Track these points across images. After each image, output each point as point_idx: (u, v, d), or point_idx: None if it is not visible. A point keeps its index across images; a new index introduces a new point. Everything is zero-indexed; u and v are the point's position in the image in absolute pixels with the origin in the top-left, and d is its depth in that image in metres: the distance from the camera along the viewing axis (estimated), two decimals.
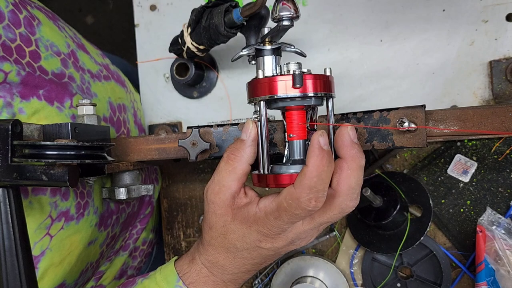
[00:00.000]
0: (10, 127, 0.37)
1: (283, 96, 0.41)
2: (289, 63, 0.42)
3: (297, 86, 0.40)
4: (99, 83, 0.61)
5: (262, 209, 0.42)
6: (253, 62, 0.49)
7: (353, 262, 0.68)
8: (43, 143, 0.36)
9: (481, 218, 0.62)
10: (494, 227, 0.60)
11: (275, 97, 0.41)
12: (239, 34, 0.53)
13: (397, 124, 0.43)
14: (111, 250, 0.65)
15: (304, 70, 0.41)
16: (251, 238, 0.44)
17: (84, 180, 0.51)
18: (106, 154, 0.42)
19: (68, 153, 0.37)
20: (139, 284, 0.51)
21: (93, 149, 0.40)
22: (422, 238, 0.62)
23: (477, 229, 0.61)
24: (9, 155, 0.37)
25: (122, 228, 0.65)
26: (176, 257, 0.53)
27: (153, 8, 0.73)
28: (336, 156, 0.41)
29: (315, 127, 0.46)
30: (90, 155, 0.39)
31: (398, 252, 0.64)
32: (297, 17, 0.43)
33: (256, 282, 0.71)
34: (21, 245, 0.38)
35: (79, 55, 0.58)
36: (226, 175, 0.43)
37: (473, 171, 0.63)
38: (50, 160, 0.36)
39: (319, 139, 0.38)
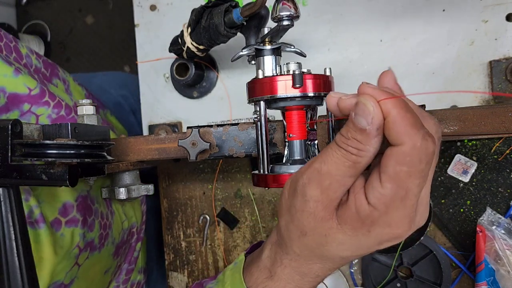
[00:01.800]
0: (10, 126, 0.37)
1: (283, 96, 0.41)
2: (289, 63, 0.42)
3: (297, 86, 0.40)
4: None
5: (379, 203, 0.31)
6: (253, 62, 0.49)
7: (353, 262, 0.68)
8: (43, 142, 0.36)
9: (481, 218, 0.62)
10: (494, 227, 0.60)
11: (275, 97, 0.41)
12: (239, 34, 0.53)
13: None
14: (115, 280, 0.67)
15: (304, 70, 0.41)
16: (366, 243, 0.34)
17: (87, 182, 0.51)
18: (106, 153, 0.42)
19: (67, 152, 0.37)
20: None
21: (93, 148, 0.40)
22: (422, 238, 0.62)
23: (477, 229, 0.61)
24: (9, 154, 0.37)
25: (125, 258, 0.68)
26: (241, 271, 0.43)
27: (153, 8, 0.73)
28: None
29: (315, 127, 0.46)
30: (90, 154, 0.39)
31: (398, 252, 0.64)
32: (297, 17, 0.43)
33: None
34: (22, 244, 0.38)
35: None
36: (343, 169, 0.32)
37: (473, 171, 0.63)
38: (49, 159, 0.36)
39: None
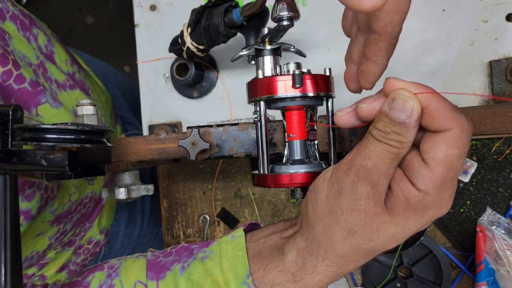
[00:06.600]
0: (10, 111, 0.37)
1: (283, 96, 0.41)
2: (289, 63, 0.42)
3: (297, 86, 0.40)
4: (65, 92, 0.64)
5: (430, 188, 0.32)
6: (253, 62, 0.49)
7: None
8: (43, 126, 0.36)
9: (481, 218, 0.62)
10: (494, 227, 0.60)
11: (275, 97, 0.41)
12: (239, 34, 0.53)
13: None
14: (59, 243, 0.67)
15: (304, 70, 0.41)
16: (415, 229, 0.35)
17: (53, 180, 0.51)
18: (105, 140, 0.42)
19: (68, 137, 0.37)
20: (198, 262, 0.43)
21: (93, 134, 0.39)
22: (422, 238, 0.62)
23: (477, 229, 0.61)
24: (9, 139, 0.37)
25: (74, 225, 0.68)
26: (244, 250, 0.41)
27: (153, 8, 0.73)
28: None
29: (315, 127, 0.46)
30: (90, 140, 0.39)
31: (398, 252, 0.64)
32: (297, 17, 0.43)
33: None
34: (11, 235, 0.37)
35: (48, 66, 0.60)
36: (388, 161, 0.33)
37: (473, 171, 0.63)
38: (49, 144, 0.36)
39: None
